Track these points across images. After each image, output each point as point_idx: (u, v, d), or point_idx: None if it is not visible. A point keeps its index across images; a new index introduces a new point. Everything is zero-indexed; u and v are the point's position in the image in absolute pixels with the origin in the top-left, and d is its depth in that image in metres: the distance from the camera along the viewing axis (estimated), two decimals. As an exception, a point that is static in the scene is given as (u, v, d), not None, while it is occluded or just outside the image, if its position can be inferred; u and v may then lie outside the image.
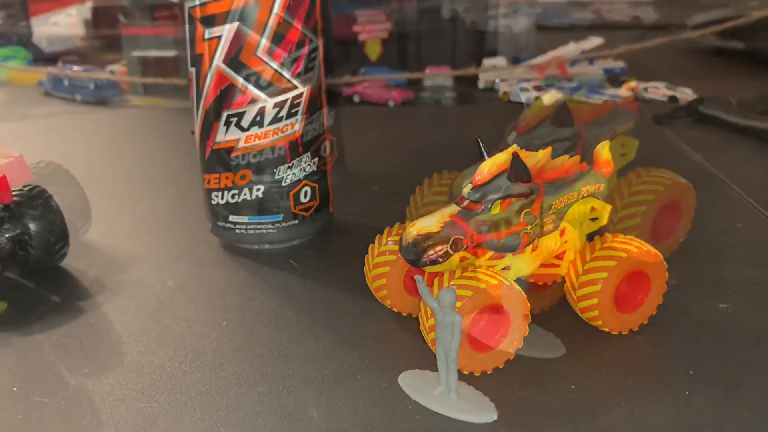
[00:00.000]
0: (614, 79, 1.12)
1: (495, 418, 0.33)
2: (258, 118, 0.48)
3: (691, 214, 0.42)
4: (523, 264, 0.40)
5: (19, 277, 0.49)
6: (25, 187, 0.48)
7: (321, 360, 0.38)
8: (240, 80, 0.47)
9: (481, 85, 1.13)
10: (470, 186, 0.37)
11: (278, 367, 0.38)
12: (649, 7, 1.59)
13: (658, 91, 1.01)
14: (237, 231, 0.51)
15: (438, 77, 1.07)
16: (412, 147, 0.77)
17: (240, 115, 0.48)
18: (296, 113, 0.49)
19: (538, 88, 1.01)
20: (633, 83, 0.47)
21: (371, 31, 1.19)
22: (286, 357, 0.39)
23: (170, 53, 1.06)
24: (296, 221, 0.51)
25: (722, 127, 0.79)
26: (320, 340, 0.40)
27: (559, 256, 0.41)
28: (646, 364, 0.37)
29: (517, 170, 0.37)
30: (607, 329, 0.39)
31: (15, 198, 0.47)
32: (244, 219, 0.50)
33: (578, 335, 0.39)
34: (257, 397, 0.35)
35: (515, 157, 0.36)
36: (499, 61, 1.13)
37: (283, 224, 0.51)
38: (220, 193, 0.50)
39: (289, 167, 0.50)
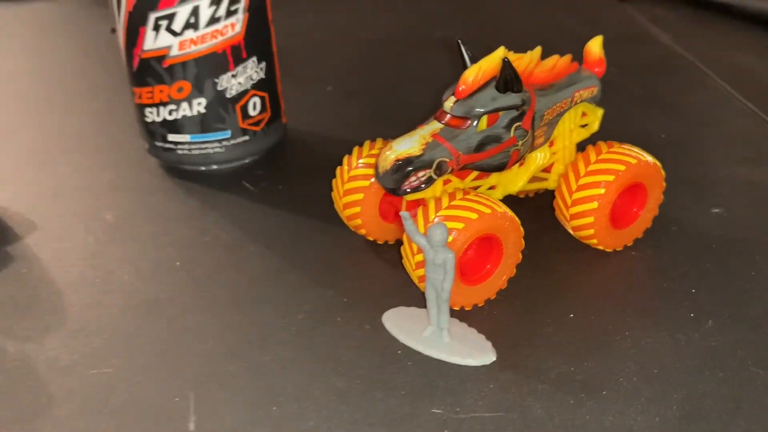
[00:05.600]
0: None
1: (494, 359, 0.30)
2: (192, 20, 0.41)
3: (659, 197, 0.36)
4: (510, 181, 0.36)
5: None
6: None
7: (293, 302, 0.34)
8: (167, -25, 0.39)
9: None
10: (453, 99, 0.33)
11: (246, 314, 0.34)
12: None
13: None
14: (179, 152, 0.45)
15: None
16: (363, 37, 0.71)
17: (170, 17, 0.41)
18: (236, 11, 0.42)
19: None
20: None
21: None
22: (253, 301, 0.35)
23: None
24: (246, 137, 0.45)
25: (687, 2, 0.75)
26: (289, 279, 0.36)
27: (547, 169, 0.37)
28: (646, 285, 0.35)
29: (507, 79, 0.32)
30: (601, 247, 0.36)
31: None
32: (186, 138, 0.44)
33: (570, 254, 0.37)
34: (227, 352, 0.31)
35: (506, 64, 0.32)
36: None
37: (232, 141, 0.45)
38: (155, 109, 0.44)
39: (233, 76, 0.43)
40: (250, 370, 0.30)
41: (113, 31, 0.68)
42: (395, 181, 0.32)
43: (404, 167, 0.32)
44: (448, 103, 0.33)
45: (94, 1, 0.86)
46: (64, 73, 0.65)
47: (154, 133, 0.45)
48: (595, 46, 0.37)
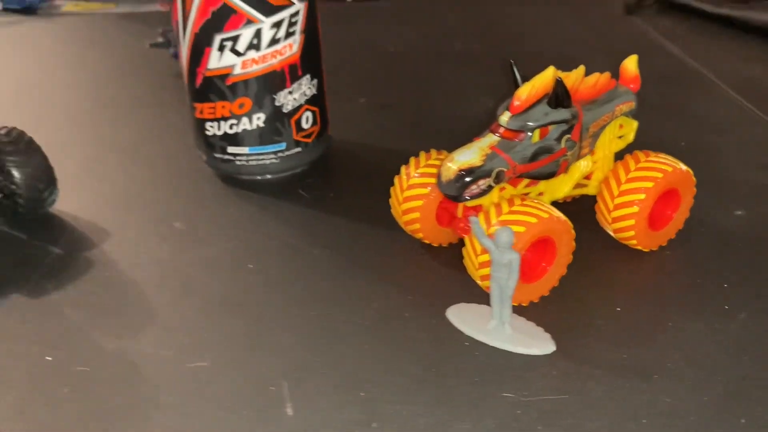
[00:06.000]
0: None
1: (554, 348, 0.34)
2: (255, 41, 0.44)
3: (690, 201, 0.40)
4: (556, 188, 0.40)
5: (6, 227, 0.45)
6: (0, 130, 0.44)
7: (362, 300, 0.38)
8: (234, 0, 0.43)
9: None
10: (508, 114, 0.36)
11: (321, 311, 0.37)
12: None
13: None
14: (237, 163, 0.48)
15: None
16: (387, 50, 0.74)
17: (235, 39, 0.44)
18: (294, 33, 0.45)
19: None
20: None
21: None
22: (324, 299, 0.38)
23: (99, -50, 0.95)
24: (299, 149, 0.49)
25: (692, 14, 0.79)
26: (354, 278, 0.39)
27: (588, 176, 0.41)
28: (682, 281, 0.38)
29: (558, 95, 0.35)
30: (639, 247, 0.40)
31: (-7, 145, 0.43)
32: (245, 150, 0.48)
33: (610, 254, 0.40)
34: (309, 345, 0.35)
35: (559, 82, 0.35)
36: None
37: (286, 153, 0.48)
38: (216, 123, 0.47)
39: (289, 92, 0.46)
40: (333, 361, 0.34)
41: (151, 45, 0.71)
42: (458, 189, 0.35)
43: (466, 177, 0.35)
44: (504, 118, 0.36)
45: (122, 14, 0.89)
46: (105, 86, 0.68)
47: (214, 145, 0.48)
48: (630, 64, 0.41)
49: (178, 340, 0.35)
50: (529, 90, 0.36)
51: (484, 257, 0.35)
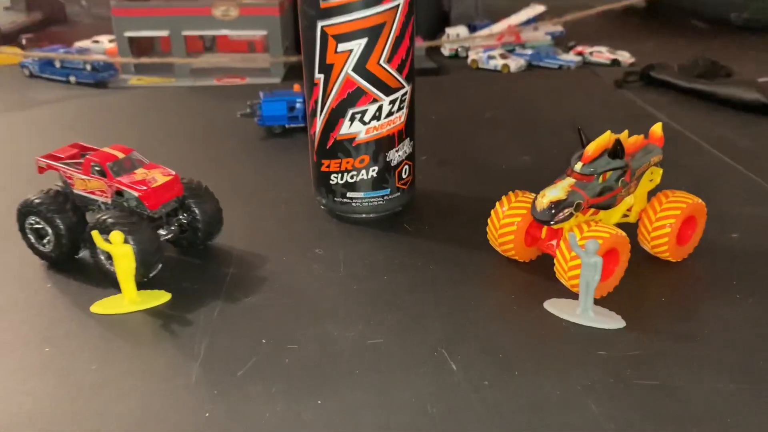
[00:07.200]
0: (561, 43, 1.28)
1: (624, 324, 0.48)
2: (377, 113, 0.59)
3: (703, 224, 0.56)
4: (610, 216, 0.55)
5: (184, 256, 0.58)
6: (183, 180, 0.57)
7: (479, 300, 0.52)
8: (366, 84, 0.58)
9: (446, 52, 1.27)
10: (581, 163, 0.51)
11: (451, 308, 0.51)
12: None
13: (602, 54, 1.19)
14: (353, 204, 0.62)
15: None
16: (430, 118, 0.90)
17: (363, 112, 0.59)
18: (403, 107, 0.60)
19: (503, 56, 1.16)
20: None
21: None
22: (452, 301, 0.51)
23: (163, 33, 1.10)
24: (399, 193, 0.63)
25: (670, 88, 0.98)
26: (468, 285, 0.53)
27: (629, 208, 0.56)
28: (704, 280, 0.54)
29: (617, 150, 0.51)
30: (670, 259, 0.55)
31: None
32: (361, 194, 0.62)
33: (649, 264, 0.55)
34: (455, 330, 0.48)
35: (618, 141, 0.51)
36: (461, 30, 1.26)
37: (390, 196, 0.63)
38: (339, 174, 0.61)
39: (396, 151, 0.61)
40: (471, 338, 0.47)
41: (241, 115, 0.85)
42: (549, 216, 0.50)
43: (556, 207, 0.50)
44: (578, 166, 0.51)
45: (186, 89, 1.03)
46: (205, 147, 0.82)
47: (335, 191, 0.62)
48: (657, 129, 0.57)
49: (354, 326, 0.49)
50: (594, 147, 0.51)
51: (573, 263, 0.49)
